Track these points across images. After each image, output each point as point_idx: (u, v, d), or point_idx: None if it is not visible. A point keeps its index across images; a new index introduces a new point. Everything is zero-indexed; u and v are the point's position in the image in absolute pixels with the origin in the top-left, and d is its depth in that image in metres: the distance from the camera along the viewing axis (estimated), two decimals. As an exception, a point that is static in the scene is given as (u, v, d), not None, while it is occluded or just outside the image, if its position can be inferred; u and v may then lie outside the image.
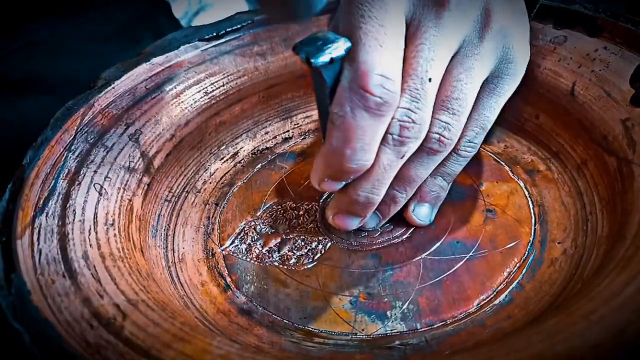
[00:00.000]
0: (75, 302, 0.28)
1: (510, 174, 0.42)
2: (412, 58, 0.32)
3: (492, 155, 0.44)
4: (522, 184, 0.41)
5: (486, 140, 0.44)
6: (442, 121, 0.33)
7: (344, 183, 0.34)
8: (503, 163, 0.43)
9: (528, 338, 0.27)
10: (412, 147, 0.33)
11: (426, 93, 0.32)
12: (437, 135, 0.33)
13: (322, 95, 0.32)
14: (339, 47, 0.30)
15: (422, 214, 0.38)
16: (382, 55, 0.30)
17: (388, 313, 0.34)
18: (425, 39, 0.32)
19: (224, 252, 0.40)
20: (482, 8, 0.33)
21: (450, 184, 0.38)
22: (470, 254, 0.37)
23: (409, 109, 0.32)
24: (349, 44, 0.30)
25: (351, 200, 0.35)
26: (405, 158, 0.33)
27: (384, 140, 0.32)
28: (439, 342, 0.32)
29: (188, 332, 0.27)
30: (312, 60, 0.30)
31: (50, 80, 0.55)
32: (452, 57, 0.33)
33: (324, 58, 0.30)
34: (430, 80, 0.32)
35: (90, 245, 0.33)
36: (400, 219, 0.39)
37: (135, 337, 0.26)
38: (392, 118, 0.31)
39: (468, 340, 0.32)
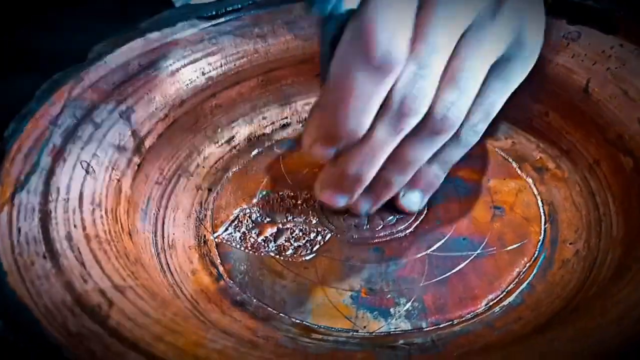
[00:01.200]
0: (57, 285, 0.26)
1: (518, 171, 0.40)
2: (422, 24, 0.30)
3: (499, 151, 0.42)
4: (530, 182, 0.39)
5: (492, 135, 0.43)
6: (448, 99, 0.31)
7: (334, 150, 0.32)
8: (510, 159, 0.41)
9: (543, 342, 0.25)
10: (411, 122, 0.31)
11: (433, 64, 0.30)
12: (441, 115, 0.31)
13: (322, 51, 0.30)
14: (343, 3, 0.28)
15: (412, 200, 0.36)
16: (392, 14, 0.28)
17: (391, 310, 0.32)
18: (439, 6, 0.30)
19: (216, 240, 0.38)
20: None
21: (446, 173, 0.36)
22: (478, 251, 0.35)
23: (413, 79, 0.29)
24: (354, 4, 0.28)
25: (340, 173, 0.33)
26: (403, 134, 0.31)
27: (381, 110, 0.30)
28: (446, 342, 0.30)
29: (180, 323, 0.25)
30: (312, 8, 0.28)
31: (40, 57, 0.52)
32: (464, 32, 0.31)
33: (322, 10, 0.28)
34: (438, 50, 0.30)
35: (75, 226, 0.30)
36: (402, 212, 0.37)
37: (123, 328, 0.24)
38: (394, 85, 0.29)
39: (476, 342, 0.30)
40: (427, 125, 0.31)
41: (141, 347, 0.23)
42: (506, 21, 0.32)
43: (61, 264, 0.27)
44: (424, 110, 0.30)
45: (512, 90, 0.34)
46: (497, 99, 0.34)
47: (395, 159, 0.33)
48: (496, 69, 0.33)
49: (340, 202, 0.35)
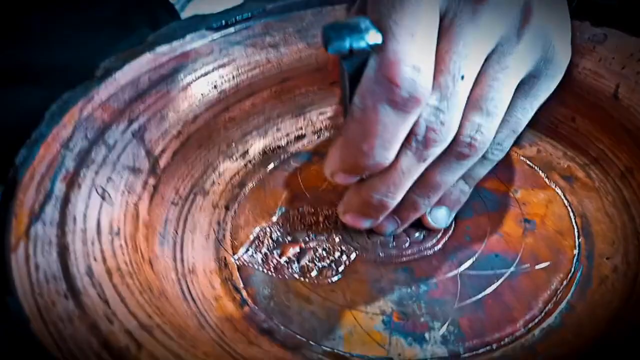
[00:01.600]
0: (81, 328, 0.24)
1: (546, 180, 0.39)
2: (444, 53, 0.29)
3: (525, 160, 0.41)
4: (559, 192, 0.38)
5: (516, 143, 0.41)
6: (475, 122, 0.30)
7: (358, 177, 0.31)
8: (537, 168, 0.40)
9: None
10: (436, 151, 0.30)
11: (458, 92, 0.29)
12: (469, 139, 0.30)
13: (343, 86, 0.29)
14: (365, 38, 0.26)
15: (439, 217, 0.36)
16: (414, 46, 0.27)
17: (426, 335, 0.31)
18: (460, 33, 0.29)
19: (237, 262, 0.36)
20: (522, 3, 0.30)
21: (472, 189, 0.35)
22: (512, 269, 0.34)
23: (437, 108, 0.29)
24: (378, 40, 0.26)
25: (364, 201, 0.32)
26: (427, 163, 0.30)
27: (406, 141, 0.29)
28: (487, 370, 0.29)
29: (213, 364, 0.24)
30: (328, 47, 0.26)
31: (40, 70, 0.50)
32: (488, 56, 0.30)
33: (342, 47, 0.26)
34: (462, 78, 0.29)
35: (95, 259, 0.29)
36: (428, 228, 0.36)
37: (154, 373, 0.23)
38: (419, 117, 0.28)
39: (519, 370, 0.29)
40: (454, 150, 0.30)
41: (176, 395, 0.22)
42: (531, 41, 0.31)
43: (84, 303, 0.26)
44: (450, 138, 0.30)
45: (539, 106, 0.33)
46: (524, 116, 0.33)
47: (422, 183, 0.32)
48: (523, 86, 0.32)
49: (364, 225, 0.34)
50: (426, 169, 0.31)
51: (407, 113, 0.27)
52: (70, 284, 0.27)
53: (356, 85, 0.28)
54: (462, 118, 0.30)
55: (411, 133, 0.29)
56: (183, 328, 0.26)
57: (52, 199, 0.31)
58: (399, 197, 0.31)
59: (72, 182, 0.33)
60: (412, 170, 0.30)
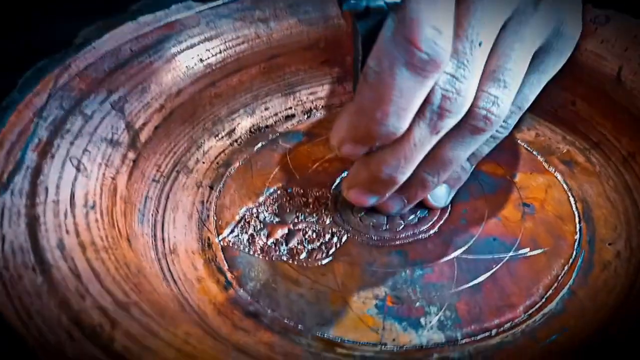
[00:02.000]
0: (50, 303, 0.22)
1: (545, 165, 0.38)
2: (462, 18, 0.27)
3: (523, 144, 0.39)
4: (559, 177, 0.37)
5: (516, 125, 0.40)
6: (492, 94, 0.28)
7: (366, 150, 0.29)
8: (536, 153, 0.39)
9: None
10: (450, 122, 0.28)
11: (475, 60, 0.27)
12: (484, 112, 0.28)
13: (355, 49, 0.27)
14: None
15: (439, 195, 0.34)
16: (435, 7, 0.25)
17: (422, 320, 0.29)
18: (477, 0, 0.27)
19: (222, 243, 0.34)
20: None
21: (473, 167, 0.34)
22: (511, 253, 0.32)
23: (454, 76, 0.27)
24: None
25: (372, 175, 0.30)
26: (440, 135, 0.28)
27: (419, 111, 0.27)
28: (486, 356, 0.27)
29: (195, 345, 0.22)
30: (343, 4, 0.25)
31: (24, 53, 0.47)
32: (504, 25, 0.29)
33: (357, 4, 0.25)
34: (480, 44, 0.27)
35: (67, 232, 0.26)
36: (426, 211, 0.35)
37: (130, 354, 0.21)
38: (435, 85, 0.27)
39: (520, 357, 0.27)
40: (468, 124, 0.29)
41: (153, 376, 0.20)
42: (546, 12, 0.30)
43: (54, 277, 0.23)
44: (465, 110, 0.28)
45: (546, 82, 0.32)
46: (531, 92, 0.32)
47: (432, 159, 0.30)
48: (533, 60, 0.31)
49: (369, 202, 0.32)
50: (437, 145, 0.29)
51: (425, 77, 0.26)
52: (40, 257, 0.24)
53: (369, 49, 0.26)
54: (478, 88, 0.28)
55: (426, 102, 0.27)
56: (163, 307, 0.24)
57: (22, 169, 0.29)
58: (408, 172, 0.30)
59: (45, 152, 0.30)
60: (424, 142, 0.28)
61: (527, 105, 0.32)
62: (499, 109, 0.29)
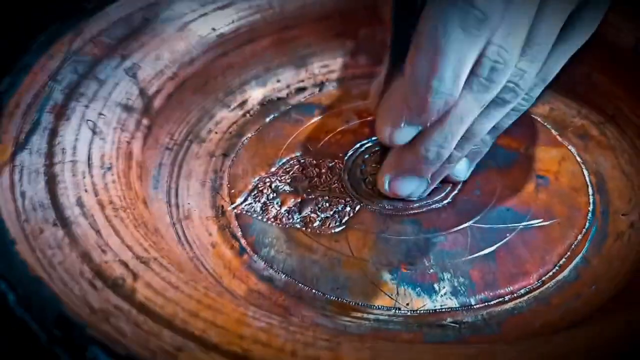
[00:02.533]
0: (72, 256, 0.22)
1: (559, 138, 0.38)
2: None
3: (537, 118, 0.39)
4: (573, 150, 0.37)
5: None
6: (520, 68, 0.28)
7: (415, 133, 0.29)
8: (549, 126, 0.38)
9: (614, 324, 0.23)
10: (493, 94, 0.28)
11: (520, 32, 0.27)
12: (512, 84, 0.28)
13: (395, 20, 0.27)
14: None
15: (459, 169, 0.34)
16: None
17: (436, 286, 0.29)
18: None
19: (235, 211, 0.34)
20: None
21: (494, 140, 0.34)
22: (524, 223, 0.32)
23: (501, 46, 0.27)
24: None
25: (419, 157, 0.30)
26: (482, 108, 0.29)
27: (467, 83, 0.27)
28: (500, 321, 0.28)
29: (215, 299, 0.22)
30: None
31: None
32: None
33: None
34: (525, 14, 0.27)
35: (86, 191, 0.26)
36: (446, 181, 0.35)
37: (153, 303, 0.21)
38: (481, 55, 0.27)
39: (533, 321, 0.27)
40: (497, 96, 0.29)
41: (177, 325, 0.20)
42: None
43: (74, 232, 0.24)
44: (506, 79, 0.28)
45: (571, 55, 0.32)
46: (556, 64, 0.31)
47: None
48: (559, 33, 0.30)
49: (410, 190, 0.32)
50: None
51: (478, 37, 0.26)
52: (60, 213, 0.24)
53: (407, 22, 0.26)
54: None
55: (472, 75, 0.27)
56: (181, 264, 0.24)
57: (40, 129, 0.29)
58: (452, 147, 0.30)
59: (61, 114, 0.30)
60: (469, 114, 0.28)
61: (550, 78, 0.31)
62: (525, 82, 0.29)
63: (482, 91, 0.27)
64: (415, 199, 0.33)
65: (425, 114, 0.28)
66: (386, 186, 0.33)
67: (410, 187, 0.32)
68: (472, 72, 0.27)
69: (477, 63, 0.27)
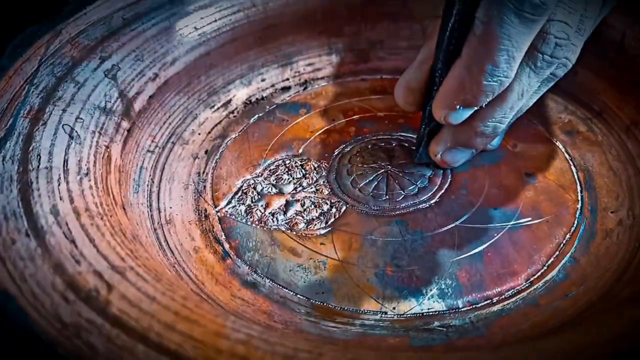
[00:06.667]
0: (44, 267, 0.22)
1: (547, 134, 0.37)
2: None
3: (524, 114, 0.39)
4: (560, 146, 0.36)
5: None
6: (573, 43, 0.29)
7: (469, 114, 0.30)
8: (536, 122, 0.38)
9: (608, 323, 0.22)
10: (552, 70, 0.29)
11: (579, 6, 0.28)
12: (565, 59, 0.29)
13: (448, 17, 0.27)
14: None
15: (458, 155, 0.34)
16: None
17: (422, 289, 0.29)
18: None
19: (219, 214, 0.34)
20: None
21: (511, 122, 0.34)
22: (512, 222, 0.32)
23: (565, 23, 0.27)
24: None
25: (476, 131, 0.31)
26: (540, 83, 0.29)
27: (528, 58, 0.28)
28: (487, 324, 0.27)
29: (193, 309, 0.21)
30: None
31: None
32: None
33: None
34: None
35: (61, 198, 0.26)
36: (426, 181, 0.34)
37: (127, 316, 0.20)
38: (545, 33, 0.27)
39: (521, 323, 0.27)
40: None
41: (151, 338, 0.19)
42: None
43: (47, 242, 0.23)
44: (564, 55, 0.29)
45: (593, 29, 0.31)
46: (579, 43, 0.31)
47: None
48: None
49: (461, 160, 0.34)
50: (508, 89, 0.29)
51: (534, 22, 0.26)
52: (33, 222, 0.24)
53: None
54: None
55: (535, 51, 0.28)
56: (159, 273, 0.24)
57: (14, 135, 0.28)
58: (509, 123, 0.31)
59: (37, 119, 0.30)
60: (529, 91, 0.29)
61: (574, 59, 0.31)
62: (575, 56, 0.29)
63: (544, 67, 0.28)
64: (459, 165, 0.34)
65: (481, 96, 0.28)
66: (439, 156, 0.33)
67: (461, 157, 0.34)
68: (536, 50, 0.27)
69: (541, 41, 0.27)
